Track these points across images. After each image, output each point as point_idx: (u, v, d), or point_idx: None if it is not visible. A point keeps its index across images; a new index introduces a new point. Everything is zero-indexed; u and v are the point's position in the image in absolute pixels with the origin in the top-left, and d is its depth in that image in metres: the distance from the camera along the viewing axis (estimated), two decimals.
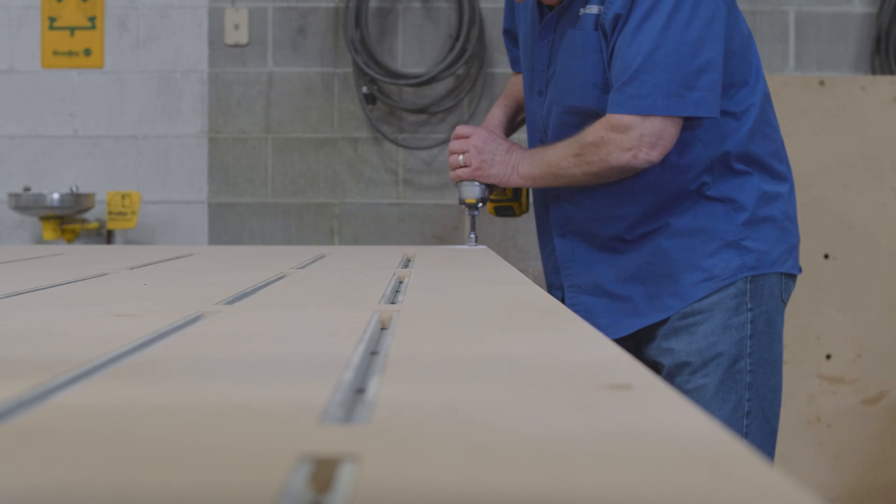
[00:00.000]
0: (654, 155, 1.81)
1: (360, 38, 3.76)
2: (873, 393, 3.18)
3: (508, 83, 2.26)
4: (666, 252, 1.91)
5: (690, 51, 1.78)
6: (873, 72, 3.77)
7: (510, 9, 2.17)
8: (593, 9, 1.85)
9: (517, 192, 2.13)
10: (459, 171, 2.02)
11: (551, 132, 1.97)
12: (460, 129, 2.04)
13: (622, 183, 1.89)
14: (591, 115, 1.87)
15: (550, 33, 1.93)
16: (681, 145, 1.85)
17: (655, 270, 1.92)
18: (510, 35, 2.21)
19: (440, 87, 3.83)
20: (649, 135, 1.79)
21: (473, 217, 2.10)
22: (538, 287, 1.15)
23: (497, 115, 2.16)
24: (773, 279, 1.91)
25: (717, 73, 1.80)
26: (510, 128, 2.18)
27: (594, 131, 1.83)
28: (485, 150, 1.99)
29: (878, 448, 3.19)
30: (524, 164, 1.95)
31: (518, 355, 0.68)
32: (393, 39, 3.87)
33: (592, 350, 0.70)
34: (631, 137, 1.79)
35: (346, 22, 3.75)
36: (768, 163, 1.93)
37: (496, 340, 0.76)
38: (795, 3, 3.81)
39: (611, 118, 1.81)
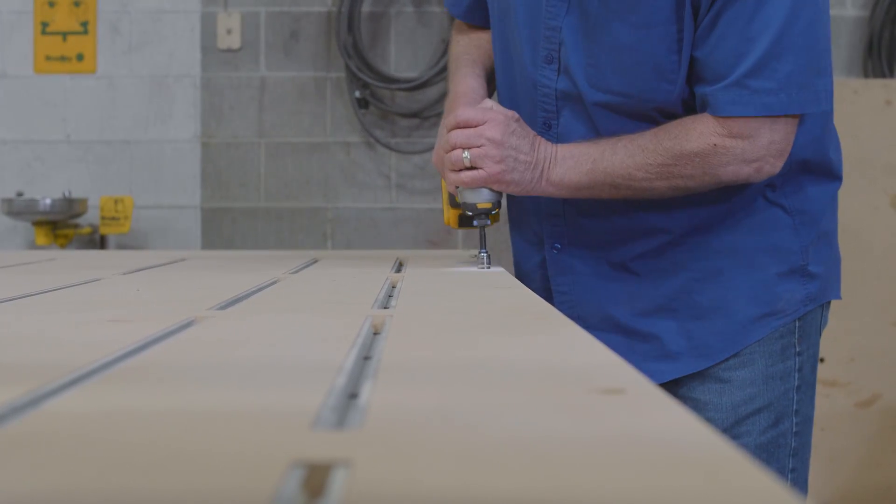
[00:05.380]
0: (780, 165, 1.36)
1: (353, 42, 3.76)
2: (866, 396, 3.19)
3: (466, 38, 1.68)
4: (714, 276, 1.46)
5: (824, 27, 1.32)
6: (865, 75, 3.77)
7: None
8: None
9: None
10: (465, 176, 1.40)
11: (568, 117, 1.47)
12: (465, 114, 1.39)
13: None
14: (642, 102, 1.40)
15: None
16: None
17: (695, 300, 1.46)
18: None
19: (433, 92, 3.83)
20: (780, 141, 1.34)
21: (484, 229, 1.48)
22: (531, 291, 1.15)
23: (475, 87, 1.57)
24: (820, 309, 1.53)
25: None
26: None
27: (699, 137, 1.33)
28: (505, 144, 1.37)
29: (872, 451, 3.19)
30: (560, 167, 1.40)
31: (510, 360, 0.68)
32: (385, 44, 3.87)
33: (585, 354, 0.70)
34: (758, 146, 1.33)
35: (338, 26, 3.75)
36: (836, 164, 1.52)
37: (489, 345, 0.75)
38: None
39: (727, 122, 1.32)
